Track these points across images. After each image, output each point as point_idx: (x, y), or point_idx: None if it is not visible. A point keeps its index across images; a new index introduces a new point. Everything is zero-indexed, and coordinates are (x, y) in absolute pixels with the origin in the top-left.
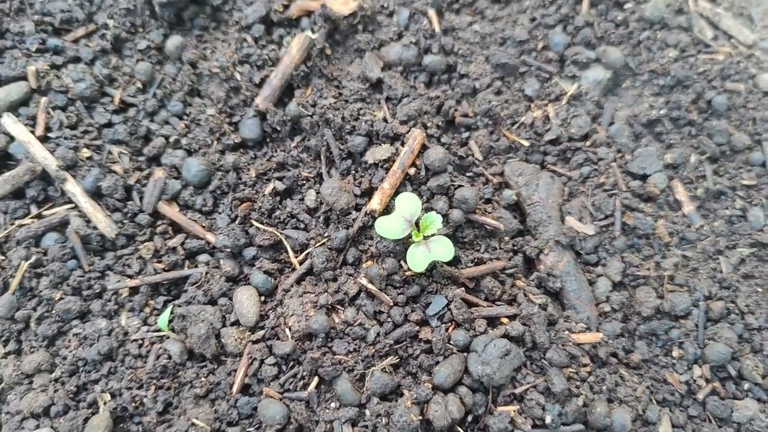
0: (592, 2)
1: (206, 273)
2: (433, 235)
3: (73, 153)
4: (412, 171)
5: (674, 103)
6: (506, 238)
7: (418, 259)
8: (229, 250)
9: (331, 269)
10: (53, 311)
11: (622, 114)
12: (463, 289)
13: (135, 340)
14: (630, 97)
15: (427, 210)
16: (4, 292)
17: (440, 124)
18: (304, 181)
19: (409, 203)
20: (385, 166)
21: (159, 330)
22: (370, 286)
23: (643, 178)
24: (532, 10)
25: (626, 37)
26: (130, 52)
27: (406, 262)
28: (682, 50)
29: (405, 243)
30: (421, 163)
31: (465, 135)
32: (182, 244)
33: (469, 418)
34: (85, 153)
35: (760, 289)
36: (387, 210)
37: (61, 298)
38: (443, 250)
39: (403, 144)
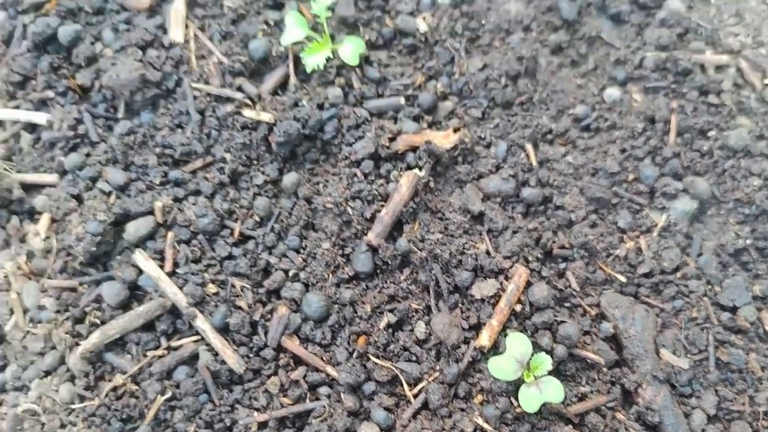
0: (679, 132)
1: (328, 406)
2: (543, 375)
3: (201, 289)
4: (518, 308)
5: (760, 233)
6: (604, 369)
7: (530, 401)
8: (351, 386)
9: (445, 405)
10: None
11: (709, 244)
12: (571, 426)
13: None
14: (715, 225)
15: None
16: (138, 420)
17: (539, 256)
18: (414, 313)
19: (520, 345)
20: (491, 301)
21: None
22: (486, 426)
23: (733, 310)
24: (622, 141)
25: (711, 166)
26: (246, 185)
27: (516, 399)
28: (766, 179)
29: (516, 381)
30: (526, 299)
31: (562, 266)
32: (304, 377)
33: None
34: (211, 288)
35: None
36: (495, 345)
37: None
38: (554, 392)
39: (507, 278)
